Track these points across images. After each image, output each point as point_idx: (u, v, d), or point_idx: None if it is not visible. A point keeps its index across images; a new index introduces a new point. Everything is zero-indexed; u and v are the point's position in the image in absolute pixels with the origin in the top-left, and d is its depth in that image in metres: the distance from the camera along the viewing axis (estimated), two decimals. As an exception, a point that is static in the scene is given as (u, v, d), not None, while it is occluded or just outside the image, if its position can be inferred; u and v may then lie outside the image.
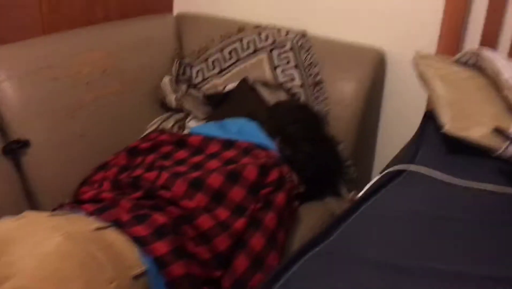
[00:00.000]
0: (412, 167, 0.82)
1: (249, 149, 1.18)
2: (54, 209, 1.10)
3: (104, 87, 1.37)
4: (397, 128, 1.59)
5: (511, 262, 0.62)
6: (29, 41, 1.28)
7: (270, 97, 1.50)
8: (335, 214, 1.36)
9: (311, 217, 1.32)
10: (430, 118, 1.05)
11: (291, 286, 0.55)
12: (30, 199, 1.23)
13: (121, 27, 1.51)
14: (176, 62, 1.59)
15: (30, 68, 1.22)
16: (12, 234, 0.89)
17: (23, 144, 1.18)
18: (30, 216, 0.96)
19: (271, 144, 1.24)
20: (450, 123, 0.88)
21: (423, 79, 1.05)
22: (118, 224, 0.96)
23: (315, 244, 0.62)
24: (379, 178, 0.82)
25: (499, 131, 0.77)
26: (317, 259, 0.60)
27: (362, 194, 0.76)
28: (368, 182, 1.66)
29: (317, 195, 1.41)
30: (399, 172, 0.82)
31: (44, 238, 0.86)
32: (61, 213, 1.01)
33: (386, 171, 0.83)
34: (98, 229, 0.93)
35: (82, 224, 0.94)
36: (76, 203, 1.08)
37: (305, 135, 1.31)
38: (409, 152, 0.90)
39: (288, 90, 1.46)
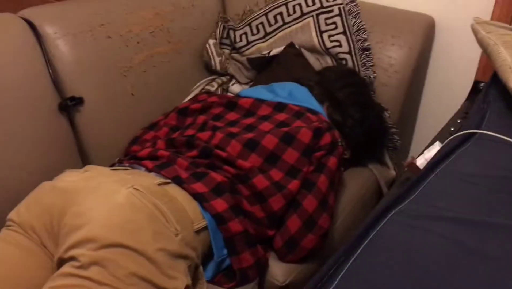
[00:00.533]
0: (482, 131, 0.81)
1: (300, 113, 1.18)
2: (112, 165, 1.12)
3: (153, 47, 1.37)
4: (441, 98, 1.58)
5: None
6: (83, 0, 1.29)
7: (317, 62, 1.49)
8: (380, 181, 1.38)
9: (355, 183, 1.33)
10: (491, 84, 1.04)
11: (381, 239, 0.56)
12: (83, 155, 1.26)
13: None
14: (220, 25, 1.58)
15: (84, 26, 1.23)
16: (78, 185, 0.92)
17: (78, 101, 1.20)
18: (94, 170, 0.99)
19: (321, 109, 1.24)
20: (518, 89, 0.87)
21: (485, 46, 1.04)
22: (178, 181, 0.98)
23: (398, 202, 0.63)
24: (449, 141, 0.82)
25: None
26: (402, 215, 0.61)
27: (436, 156, 0.76)
28: (408, 150, 1.66)
29: (362, 161, 1.41)
30: (469, 136, 0.82)
31: (112, 190, 0.88)
32: (121, 168, 1.03)
33: (455, 135, 0.82)
34: (161, 184, 0.95)
35: (145, 179, 0.96)
36: (133, 159, 1.10)
37: (354, 101, 1.30)
38: (476, 118, 0.90)
39: (335, 56, 1.45)
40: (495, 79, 0.99)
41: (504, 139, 0.79)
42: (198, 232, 0.93)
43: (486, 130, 0.82)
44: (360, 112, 1.29)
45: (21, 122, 1.08)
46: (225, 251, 0.98)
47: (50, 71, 1.16)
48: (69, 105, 1.19)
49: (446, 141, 0.83)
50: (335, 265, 0.52)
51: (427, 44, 1.45)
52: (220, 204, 0.97)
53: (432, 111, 1.62)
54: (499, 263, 0.55)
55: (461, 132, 0.82)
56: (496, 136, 0.80)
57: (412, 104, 1.54)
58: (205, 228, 0.95)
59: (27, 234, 0.90)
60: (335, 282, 0.50)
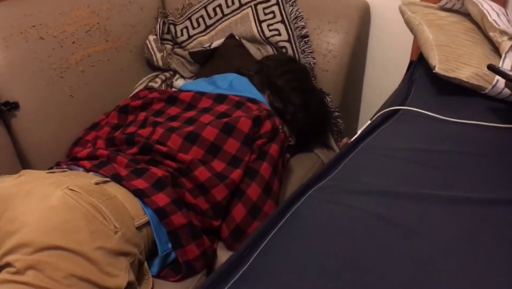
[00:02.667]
0: (405, 107, 0.84)
1: (241, 103, 1.19)
2: (50, 168, 1.10)
3: (90, 46, 1.35)
4: (381, 79, 1.62)
5: (503, 186, 0.65)
6: (12, 1, 1.25)
7: (258, 52, 1.50)
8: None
9: (302, 168, 1.35)
10: (418, 63, 1.07)
11: (300, 216, 0.58)
12: (23, 162, 1.23)
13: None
14: (160, 20, 1.57)
15: (14, 28, 1.20)
16: (12, 190, 0.90)
17: (13, 106, 1.17)
18: (29, 174, 0.97)
19: (262, 98, 1.25)
20: (439, 64, 0.90)
21: (411, 26, 1.07)
22: (117, 178, 0.98)
23: (319, 179, 0.65)
24: (375, 119, 0.84)
25: (492, 68, 0.80)
26: (322, 191, 0.62)
27: (360, 134, 0.79)
28: (355, 133, 1.70)
29: (307, 147, 1.44)
30: (393, 113, 0.85)
31: (46, 193, 0.87)
32: (58, 170, 1.02)
33: (380, 112, 0.85)
34: (98, 183, 0.94)
35: (82, 179, 0.95)
36: (72, 161, 1.09)
37: (294, 87, 1.32)
38: (401, 95, 0.93)
39: (275, 45, 1.46)
40: (422, 57, 1.02)
41: (424, 113, 0.82)
42: (139, 228, 0.93)
43: (409, 106, 0.85)
44: (301, 98, 1.31)
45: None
46: (169, 245, 0.98)
47: (-20, 77, 1.13)
48: (4, 111, 1.16)
49: (372, 119, 0.85)
50: (252, 244, 0.53)
51: (364, 28, 1.48)
52: (161, 199, 0.97)
53: (375, 92, 1.65)
54: (414, 233, 0.58)
55: (386, 110, 0.84)
56: (417, 111, 0.83)
57: (354, 87, 1.58)
58: (147, 223, 0.95)
59: None
60: (250, 261, 0.51)
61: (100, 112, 1.33)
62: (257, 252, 0.52)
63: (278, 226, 0.56)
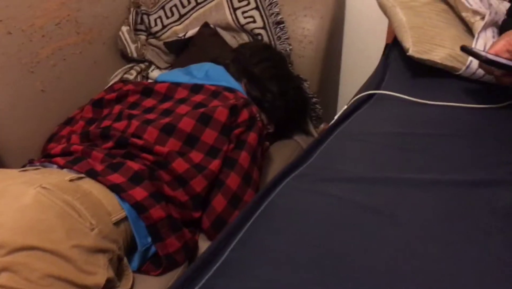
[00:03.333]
0: (380, 91, 0.84)
1: (217, 92, 1.17)
2: (23, 166, 1.07)
3: (61, 39, 1.32)
4: (359, 63, 1.62)
5: (480, 167, 0.66)
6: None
7: (233, 40, 1.48)
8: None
9: (282, 155, 1.35)
10: (392, 46, 1.07)
11: (276, 206, 0.57)
12: (-4, 160, 1.20)
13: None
14: (133, 11, 1.54)
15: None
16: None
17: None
18: (1, 173, 0.95)
19: (238, 86, 1.24)
20: (412, 47, 0.90)
21: (384, 8, 1.06)
22: (92, 174, 0.96)
23: (294, 167, 0.64)
24: (350, 104, 0.84)
25: (465, 49, 0.80)
26: (298, 180, 0.62)
27: (336, 119, 0.78)
28: (333, 118, 1.70)
29: (286, 134, 1.43)
30: (369, 97, 0.84)
31: (19, 192, 0.85)
32: (31, 168, 0.99)
33: (356, 97, 0.85)
34: (73, 180, 0.92)
35: (55, 176, 0.93)
36: (45, 158, 1.06)
37: (271, 75, 1.31)
38: (376, 79, 0.92)
39: (250, 32, 1.45)
40: (396, 41, 1.02)
41: (399, 97, 0.82)
42: (117, 223, 0.91)
43: (384, 90, 0.85)
44: (278, 85, 1.30)
45: None
46: (149, 239, 0.97)
47: None
48: (-27, 109, 1.12)
49: (347, 104, 0.85)
50: (227, 237, 0.53)
51: (339, 12, 1.47)
52: (138, 193, 0.95)
53: (353, 77, 1.65)
54: (392, 218, 0.58)
55: (360, 94, 0.84)
56: (392, 95, 0.82)
57: (331, 72, 1.57)
58: (125, 218, 0.93)
59: None
60: (226, 254, 0.50)
61: (74, 106, 1.30)
62: (232, 245, 0.52)
63: (254, 217, 0.55)
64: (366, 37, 1.55)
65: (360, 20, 1.54)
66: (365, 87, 0.91)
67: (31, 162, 1.08)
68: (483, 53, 0.80)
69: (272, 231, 0.55)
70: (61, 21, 1.33)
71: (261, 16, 1.43)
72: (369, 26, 1.53)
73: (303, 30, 1.41)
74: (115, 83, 1.39)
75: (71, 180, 0.91)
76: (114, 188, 0.94)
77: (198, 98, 1.16)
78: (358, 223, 0.58)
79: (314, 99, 1.44)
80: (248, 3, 1.45)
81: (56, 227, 0.81)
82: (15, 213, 0.81)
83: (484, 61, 0.79)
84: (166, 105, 1.16)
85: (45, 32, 1.28)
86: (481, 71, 0.90)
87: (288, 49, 1.42)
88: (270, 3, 1.43)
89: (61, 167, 0.99)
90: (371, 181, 0.62)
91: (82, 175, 0.95)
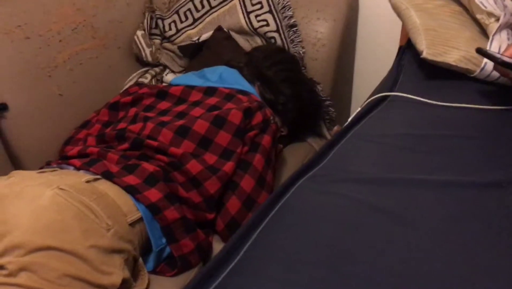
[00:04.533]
0: (394, 93, 0.84)
1: (231, 95, 1.18)
2: (41, 168, 1.09)
3: (77, 44, 1.34)
4: (372, 66, 1.61)
5: (493, 169, 0.65)
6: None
7: (246, 44, 1.49)
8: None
9: (296, 157, 1.35)
10: (406, 48, 1.07)
11: (290, 207, 0.58)
12: (14, 162, 1.22)
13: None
14: (147, 15, 1.56)
15: (0, 29, 1.18)
16: (2, 192, 0.89)
17: (1, 107, 1.16)
18: (19, 175, 0.96)
19: (252, 89, 1.25)
20: (427, 50, 0.90)
21: (398, 11, 1.06)
22: (108, 175, 0.97)
23: (308, 169, 0.65)
24: (364, 106, 0.84)
25: (480, 51, 0.80)
26: (311, 181, 0.62)
27: (349, 121, 0.78)
28: (347, 120, 1.70)
29: (300, 136, 1.44)
30: (382, 99, 0.84)
31: (37, 193, 0.87)
32: (49, 170, 1.01)
33: (369, 99, 0.85)
34: (89, 181, 0.94)
35: (72, 177, 0.94)
36: (62, 160, 1.08)
37: (284, 78, 1.31)
38: (390, 80, 0.92)
39: (263, 35, 1.45)
40: (410, 43, 1.02)
41: (413, 98, 0.82)
42: (132, 224, 0.93)
43: (398, 92, 0.85)
44: (291, 88, 1.31)
45: None
46: (164, 240, 0.98)
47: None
48: (-8, 112, 1.15)
49: (361, 106, 0.85)
50: (241, 238, 0.53)
51: (352, 15, 1.47)
52: (153, 194, 0.96)
53: (367, 79, 1.65)
54: (404, 220, 0.58)
55: (374, 96, 0.84)
56: (406, 97, 0.82)
57: (344, 75, 1.57)
58: (140, 219, 0.94)
59: None
60: (240, 255, 0.51)
61: (90, 110, 1.32)
62: (247, 245, 0.52)
63: (268, 218, 0.56)
64: (380, 40, 1.55)
65: (373, 23, 1.54)
66: (378, 89, 0.91)
67: (48, 164, 1.10)
68: (499, 55, 0.80)
69: (286, 232, 0.55)
70: (77, 26, 1.35)
71: (274, 20, 1.44)
72: (382, 28, 1.53)
73: (316, 33, 1.42)
74: (130, 86, 1.41)
75: (87, 182, 0.93)
76: (129, 190, 0.96)
77: (212, 100, 1.17)
78: (370, 224, 0.58)
79: (328, 102, 1.44)
80: (262, 7, 1.46)
81: (73, 228, 0.83)
82: (33, 214, 0.83)
83: (500, 63, 0.79)
84: (180, 107, 1.17)
85: (62, 37, 1.30)
86: (495, 73, 0.89)
87: (301, 52, 1.43)
88: (283, 7, 1.44)
89: (77, 168, 1.00)
90: (384, 183, 0.63)
91: (98, 177, 0.96)
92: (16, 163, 1.23)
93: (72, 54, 1.32)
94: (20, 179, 0.93)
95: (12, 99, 1.19)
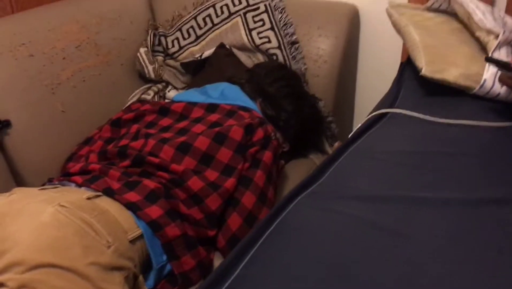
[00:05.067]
0: (394, 110, 0.84)
1: (232, 111, 1.19)
2: (43, 184, 1.10)
3: (81, 61, 1.36)
4: (374, 82, 1.62)
5: (493, 185, 0.65)
6: (1, 19, 1.26)
7: (249, 60, 1.50)
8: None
9: (298, 173, 1.35)
10: (407, 64, 1.07)
11: (288, 223, 0.58)
12: (16, 179, 1.23)
13: (91, 1, 1.49)
14: (150, 32, 1.58)
15: (3, 47, 1.20)
16: (3, 210, 0.90)
17: (5, 124, 1.17)
18: (20, 192, 0.97)
19: (254, 105, 1.25)
20: (426, 67, 0.90)
21: (398, 28, 1.07)
22: (109, 192, 0.97)
23: (307, 185, 0.65)
24: (364, 122, 0.84)
25: (491, 60, 0.79)
26: (310, 198, 0.62)
27: (349, 138, 0.79)
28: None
29: (302, 153, 1.44)
30: (382, 116, 0.84)
31: (38, 210, 0.87)
32: (50, 187, 1.01)
33: (369, 115, 0.85)
34: (90, 198, 0.94)
35: (73, 194, 0.94)
36: (64, 176, 1.08)
37: (286, 94, 1.32)
38: (390, 97, 0.93)
39: (265, 52, 1.47)
40: (410, 59, 1.02)
41: (413, 115, 0.82)
42: (133, 241, 0.92)
43: (398, 109, 0.85)
44: (292, 104, 1.31)
45: None
46: (164, 257, 0.97)
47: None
48: (-4, 129, 1.16)
49: (362, 123, 0.85)
50: (239, 254, 0.53)
51: (353, 32, 1.49)
52: (154, 211, 0.96)
53: (368, 95, 1.65)
54: (403, 237, 0.57)
55: (374, 113, 0.84)
56: (406, 113, 0.82)
57: (346, 91, 1.58)
58: (141, 236, 0.94)
59: None
60: (237, 271, 0.51)
61: (93, 126, 1.33)
62: (244, 262, 0.52)
63: (266, 234, 0.56)
64: (381, 56, 1.56)
65: (375, 39, 1.54)
66: (379, 105, 0.91)
67: (50, 181, 1.10)
68: (508, 60, 0.79)
69: (284, 249, 0.55)
70: (81, 44, 1.37)
71: (276, 36, 1.45)
72: (384, 45, 1.54)
73: (318, 49, 1.43)
74: (132, 103, 1.42)
75: (88, 198, 0.93)
76: (130, 206, 0.96)
77: (214, 117, 1.18)
78: (369, 241, 0.58)
79: (329, 118, 1.44)
80: (263, 24, 1.47)
81: (73, 245, 0.83)
82: (34, 231, 0.83)
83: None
84: (182, 124, 1.18)
85: (66, 54, 1.32)
86: (495, 90, 0.90)
87: (303, 68, 1.43)
88: (285, 24, 1.46)
89: (79, 185, 1.01)
90: (383, 200, 0.62)
91: (99, 193, 0.96)
92: (18, 180, 1.23)
93: (75, 71, 1.34)
94: (22, 196, 0.94)
95: (15, 115, 1.20)
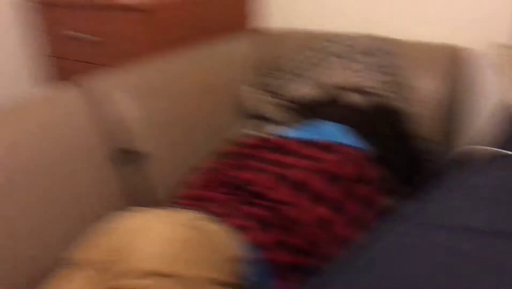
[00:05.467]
0: (503, 150, 0.83)
1: (339, 149, 1.25)
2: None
3: (202, 102, 1.52)
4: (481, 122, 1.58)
5: None
6: (139, 65, 1.48)
7: (353, 100, 1.54)
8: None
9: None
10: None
11: (379, 251, 0.60)
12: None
13: (211, 49, 1.69)
14: (257, 72, 1.70)
15: (148, 88, 1.41)
16: (131, 226, 1.01)
17: (143, 156, 1.34)
18: (145, 211, 1.09)
19: (360, 144, 1.30)
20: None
21: (501, 70, 1.06)
22: (216, 217, 1.06)
23: (403, 213, 0.67)
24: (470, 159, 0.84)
25: None
26: (404, 226, 0.64)
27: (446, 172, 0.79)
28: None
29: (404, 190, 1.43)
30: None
31: (161, 229, 0.98)
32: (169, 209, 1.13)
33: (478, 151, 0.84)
34: (201, 220, 1.03)
35: (187, 216, 1.04)
36: (178, 200, 1.21)
37: (392, 134, 1.35)
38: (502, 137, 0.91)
39: (371, 93, 1.51)
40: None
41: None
42: (236, 263, 0.99)
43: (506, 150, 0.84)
44: (399, 144, 1.34)
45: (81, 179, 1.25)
46: (268, 280, 1.03)
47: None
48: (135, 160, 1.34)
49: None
50: (332, 274, 0.56)
51: (457, 72, 1.49)
52: (262, 236, 1.03)
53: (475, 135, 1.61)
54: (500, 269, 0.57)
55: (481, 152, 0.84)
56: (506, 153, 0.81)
57: (452, 131, 1.56)
58: (245, 259, 1.01)
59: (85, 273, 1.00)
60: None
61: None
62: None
63: (357, 260, 0.58)
64: (483, 95, 1.53)
65: (477, 79, 1.53)
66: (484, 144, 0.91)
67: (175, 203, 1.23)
68: None
69: (377, 276, 0.58)
70: (204, 87, 1.56)
71: (382, 77, 1.49)
72: (485, 84, 1.51)
73: (422, 89, 1.44)
74: (240, 138, 1.53)
75: (198, 220, 1.03)
76: (238, 230, 1.04)
77: (321, 154, 1.24)
78: (463, 272, 0.58)
79: (433, 158, 1.44)
80: (369, 65, 1.52)
81: (199, 259, 0.92)
82: (160, 247, 0.93)
83: None
84: (289, 159, 1.25)
85: (193, 96, 1.51)
86: None
87: (408, 108, 1.45)
88: (390, 65, 1.49)
89: (190, 208, 1.11)
90: (483, 233, 0.63)
91: (209, 218, 1.06)
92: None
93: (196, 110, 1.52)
94: (147, 215, 1.06)
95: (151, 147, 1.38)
